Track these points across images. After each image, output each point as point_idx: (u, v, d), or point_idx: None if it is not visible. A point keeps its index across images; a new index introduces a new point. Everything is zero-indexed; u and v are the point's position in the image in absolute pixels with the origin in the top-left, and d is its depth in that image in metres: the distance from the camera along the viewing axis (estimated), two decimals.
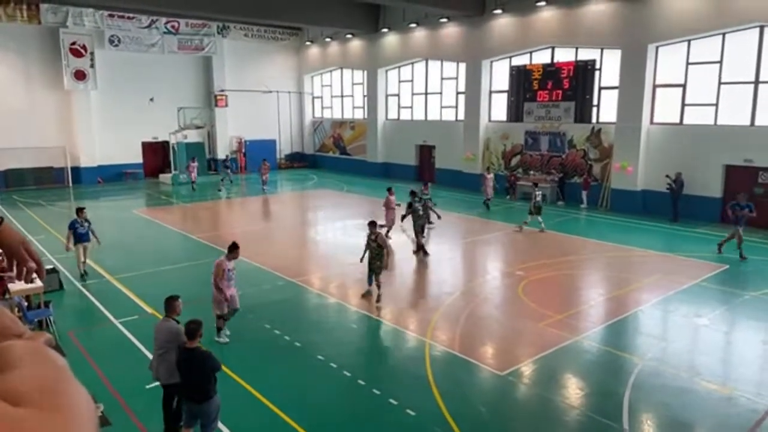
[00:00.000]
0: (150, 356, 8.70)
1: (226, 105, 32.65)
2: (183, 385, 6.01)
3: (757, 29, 17.57)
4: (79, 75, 27.70)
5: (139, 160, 31.02)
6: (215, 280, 8.92)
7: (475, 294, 11.98)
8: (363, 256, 11.51)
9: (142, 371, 8.19)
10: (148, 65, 30.35)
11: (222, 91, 32.66)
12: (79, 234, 12.38)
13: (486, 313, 10.91)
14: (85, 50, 27.72)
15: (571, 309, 10.88)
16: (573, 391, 7.87)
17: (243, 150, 33.86)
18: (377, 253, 11.04)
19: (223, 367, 6.22)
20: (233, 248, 9.26)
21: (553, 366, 8.55)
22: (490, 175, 22.03)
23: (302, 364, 8.59)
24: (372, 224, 11.33)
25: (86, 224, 12.53)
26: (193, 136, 31.16)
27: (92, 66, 28.01)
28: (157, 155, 31.54)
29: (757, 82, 17.72)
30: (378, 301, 11.04)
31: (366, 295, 11.34)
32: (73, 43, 27.42)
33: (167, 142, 30.18)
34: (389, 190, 17.12)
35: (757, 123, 17.86)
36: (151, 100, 30.58)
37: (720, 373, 8.50)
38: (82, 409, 0.55)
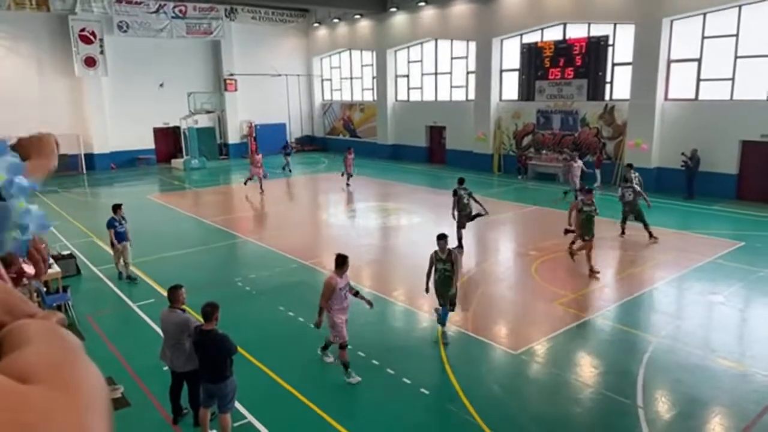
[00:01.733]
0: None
1: (236, 89, 32.60)
2: (200, 365, 6.10)
3: None
4: (90, 62, 27.76)
5: (152, 146, 31.17)
6: (322, 301, 7.39)
7: (488, 274, 11.97)
8: (427, 284, 8.56)
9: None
10: (158, 51, 30.32)
11: (231, 75, 32.59)
12: (118, 233, 11.42)
13: (499, 293, 10.91)
14: (95, 37, 27.73)
15: (584, 288, 10.84)
16: (587, 369, 7.88)
17: (254, 134, 33.87)
18: (447, 276, 8.35)
19: (239, 349, 6.30)
20: (342, 262, 7.46)
21: (567, 344, 8.56)
22: (578, 163, 18.32)
23: (316, 345, 8.67)
24: (442, 238, 8.50)
25: (124, 222, 11.57)
26: (203, 121, 31.22)
27: (102, 52, 28.04)
28: (168, 141, 31.65)
29: None
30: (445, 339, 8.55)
31: (445, 342, 8.50)
32: (83, 30, 27.44)
33: (178, 128, 30.27)
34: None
35: None
36: (161, 85, 30.60)
37: (735, 350, 8.45)
38: (92, 389, 0.55)
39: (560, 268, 12.11)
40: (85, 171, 28.10)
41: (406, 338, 8.95)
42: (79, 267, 12.28)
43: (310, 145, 36.95)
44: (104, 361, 7.91)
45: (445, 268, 8.38)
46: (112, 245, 11.57)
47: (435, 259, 8.47)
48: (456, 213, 13.13)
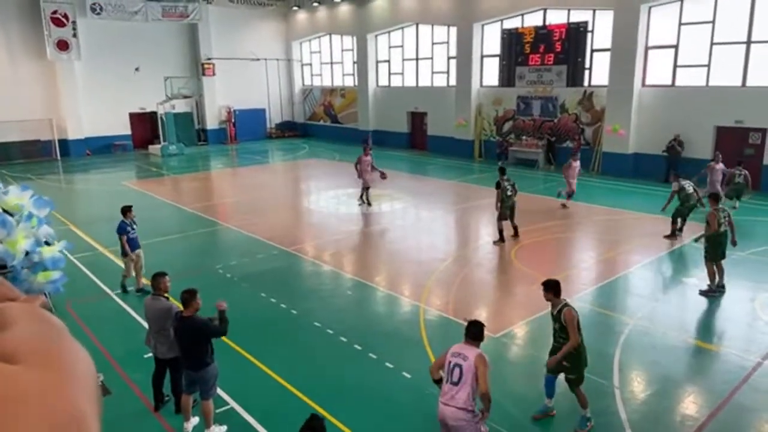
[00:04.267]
0: (146, 326, 8.79)
1: (214, 74, 32.10)
2: (180, 352, 6.09)
3: None
4: (62, 45, 27.01)
5: (128, 131, 30.59)
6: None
7: (468, 259, 12.08)
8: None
9: (140, 341, 8.26)
10: (133, 34, 29.63)
11: (209, 59, 32.05)
12: (131, 240, 9.96)
13: (479, 277, 11.03)
14: (67, 19, 26.95)
15: (562, 272, 11.00)
16: None
17: (232, 119, 33.45)
18: (562, 342, 5.99)
19: (223, 338, 6.28)
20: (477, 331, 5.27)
21: (546, 327, 8.67)
22: (577, 163, 16.06)
23: (299, 331, 8.69)
24: (551, 287, 6.00)
25: (136, 226, 10.25)
26: (181, 107, 30.69)
27: (75, 35, 27.28)
28: (145, 126, 31.10)
29: (749, 42, 17.59)
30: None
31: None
32: (54, 12, 26.64)
33: (155, 113, 29.73)
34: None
35: (748, 83, 17.81)
36: (137, 69, 29.97)
37: (709, 331, 8.70)
38: (80, 369, 0.54)
39: (539, 253, 12.27)
40: (59, 157, 27.48)
41: (388, 323, 9.01)
42: None
43: (290, 131, 36.62)
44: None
45: (554, 329, 6.07)
46: (124, 254, 10.02)
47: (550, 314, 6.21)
48: (499, 204, 12.37)
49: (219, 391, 6.43)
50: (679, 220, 12.73)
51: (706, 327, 8.87)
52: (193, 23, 31.33)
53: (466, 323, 5.40)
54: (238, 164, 26.90)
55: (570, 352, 5.87)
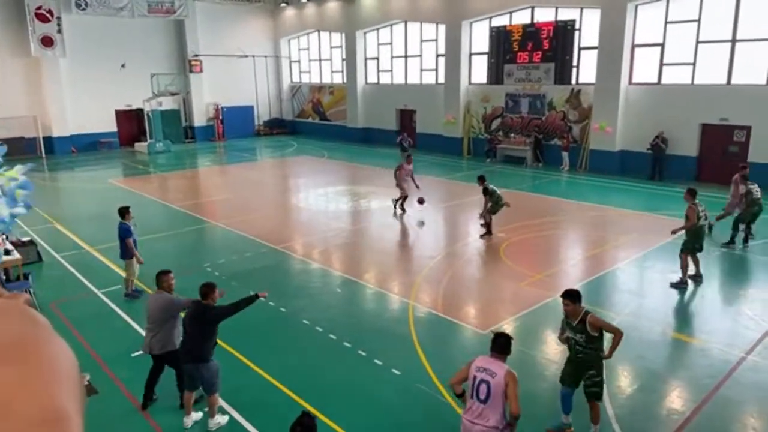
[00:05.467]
0: (134, 325, 8.73)
1: (201, 70, 31.85)
2: (184, 340, 6.14)
3: None
4: (47, 41, 26.63)
5: (114, 128, 30.26)
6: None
7: (457, 256, 12.12)
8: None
9: (127, 340, 8.21)
10: (118, 30, 29.29)
11: (196, 56, 31.79)
12: (134, 242, 9.64)
13: (468, 274, 11.07)
14: (52, 15, 26.57)
15: (551, 268, 11.09)
16: (552, 346, 8.10)
17: (220, 117, 33.23)
18: (580, 357, 5.75)
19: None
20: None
21: (534, 323, 8.77)
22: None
23: (288, 329, 8.67)
24: (575, 297, 5.77)
25: (135, 228, 9.85)
26: (168, 104, 30.43)
27: (59, 31, 26.91)
28: (131, 123, 30.79)
29: (734, 41, 17.80)
30: None
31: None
32: (39, 8, 26.25)
33: (142, 110, 29.45)
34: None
35: (733, 82, 18.02)
36: (123, 66, 29.65)
37: (694, 326, 8.81)
38: (62, 365, 0.54)
39: (528, 250, 12.34)
40: (44, 154, 27.12)
41: (377, 320, 9.02)
42: (40, 254, 11.93)
43: (278, 128, 36.46)
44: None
45: (576, 341, 5.69)
46: (128, 257, 9.51)
47: (564, 324, 5.95)
48: (488, 210, 12.69)
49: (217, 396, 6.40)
50: (741, 226, 11.74)
51: (691, 322, 8.99)
52: (180, 19, 31.05)
53: (492, 335, 5.12)
54: (226, 162, 26.74)
55: (612, 348, 5.67)
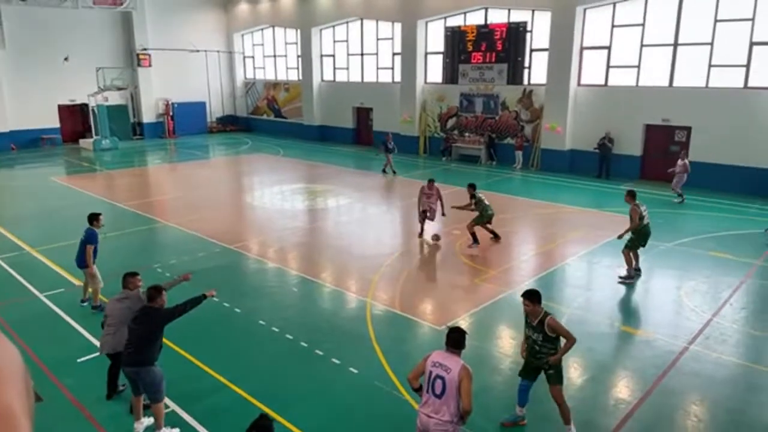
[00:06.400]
0: (79, 328, 8.38)
1: (150, 65, 30.83)
2: (128, 343, 5.91)
3: None
4: None
5: (56, 124, 28.95)
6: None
7: (414, 254, 12.20)
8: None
9: (72, 345, 7.89)
10: (62, 22, 28.03)
11: (145, 49, 30.75)
12: (96, 250, 8.96)
13: (425, 271, 11.17)
14: None
15: (504, 264, 11.33)
16: (506, 341, 8.28)
17: (170, 113, 32.28)
18: (536, 350, 5.94)
19: (164, 339, 6.10)
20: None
21: (488, 318, 8.94)
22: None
23: (243, 330, 8.52)
24: (535, 297, 5.89)
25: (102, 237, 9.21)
26: (115, 99, 29.33)
27: None
28: (75, 119, 29.56)
29: (675, 45, 18.63)
30: None
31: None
32: None
33: (86, 105, 28.27)
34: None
35: (675, 84, 18.87)
36: (66, 59, 28.38)
37: (640, 318, 9.18)
38: (6, 365, 0.52)
39: (482, 246, 12.54)
40: None
41: (335, 319, 8.98)
42: None
43: (232, 125, 35.76)
44: None
45: (534, 339, 5.91)
46: (88, 266, 8.85)
47: (525, 323, 6.08)
48: (477, 216, 12.20)
49: (168, 400, 6.20)
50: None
51: (637, 314, 9.37)
52: (128, 11, 29.96)
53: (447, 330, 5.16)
54: (177, 159, 26.01)
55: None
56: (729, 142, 17.67)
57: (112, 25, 30.30)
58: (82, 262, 8.94)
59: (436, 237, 12.88)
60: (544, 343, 5.82)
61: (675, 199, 16.52)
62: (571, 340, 5.75)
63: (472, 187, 12.40)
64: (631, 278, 10.26)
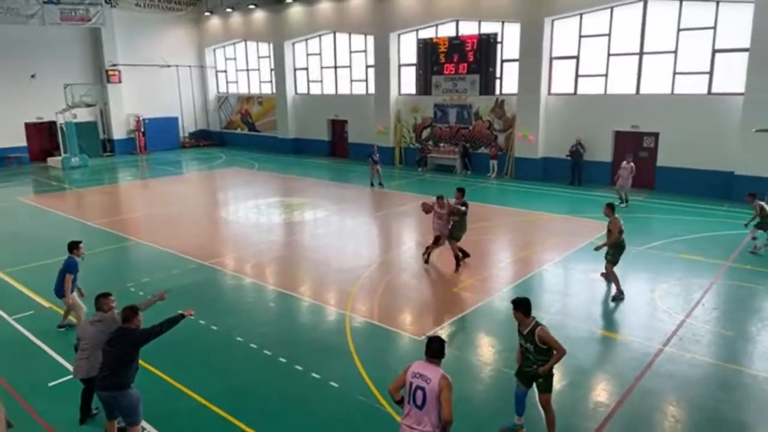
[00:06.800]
0: (50, 352, 8.13)
1: (120, 81, 30.45)
2: (103, 366, 5.71)
3: (641, 3, 18.91)
4: None
5: (23, 143, 28.30)
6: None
7: (391, 265, 12.19)
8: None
9: (43, 369, 7.65)
10: (29, 39, 27.52)
11: (114, 65, 30.37)
12: (75, 280, 8.60)
13: (403, 282, 11.16)
14: None
15: (481, 273, 11.39)
16: (486, 348, 8.31)
17: (142, 129, 31.84)
18: (528, 358, 5.92)
19: (139, 360, 5.94)
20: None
21: (468, 327, 8.97)
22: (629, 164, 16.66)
23: (221, 347, 8.37)
24: (523, 306, 5.87)
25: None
26: (84, 116, 28.83)
27: None
28: (43, 137, 28.95)
29: (641, 54, 19.16)
30: None
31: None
32: None
33: (55, 123, 27.71)
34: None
35: (642, 91, 19.37)
36: (33, 76, 27.84)
37: (616, 322, 9.31)
38: None
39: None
40: None
41: (313, 333, 8.89)
42: None
43: (205, 140, 35.43)
44: None
45: (526, 348, 5.89)
46: (65, 296, 8.47)
47: (518, 331, 6.01)
48: (452, 226, 11.51)
49: (144, 423, 6.04)
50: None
51: (613, 318, 9.49)
52: (96, 27, 29.58)
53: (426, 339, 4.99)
54: (149, 176, 25.60)
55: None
56: (695, 146, 18.18)
57: (80, 42, 29.86)
58: (60, 291, 8.52)
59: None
60: (537, 354, 5.80)
61: (621, 204, 16.29)
62: (560, 352, 5.74)
63: (461, 192, 11.77)
64: (622, 295, 9.86)
